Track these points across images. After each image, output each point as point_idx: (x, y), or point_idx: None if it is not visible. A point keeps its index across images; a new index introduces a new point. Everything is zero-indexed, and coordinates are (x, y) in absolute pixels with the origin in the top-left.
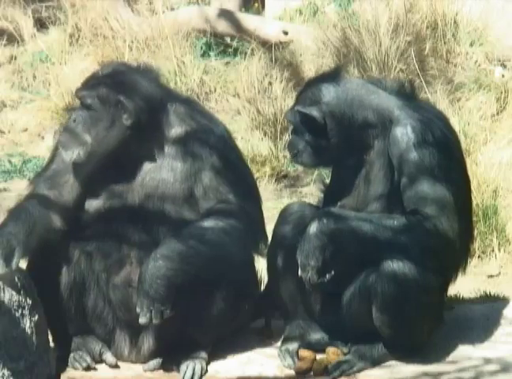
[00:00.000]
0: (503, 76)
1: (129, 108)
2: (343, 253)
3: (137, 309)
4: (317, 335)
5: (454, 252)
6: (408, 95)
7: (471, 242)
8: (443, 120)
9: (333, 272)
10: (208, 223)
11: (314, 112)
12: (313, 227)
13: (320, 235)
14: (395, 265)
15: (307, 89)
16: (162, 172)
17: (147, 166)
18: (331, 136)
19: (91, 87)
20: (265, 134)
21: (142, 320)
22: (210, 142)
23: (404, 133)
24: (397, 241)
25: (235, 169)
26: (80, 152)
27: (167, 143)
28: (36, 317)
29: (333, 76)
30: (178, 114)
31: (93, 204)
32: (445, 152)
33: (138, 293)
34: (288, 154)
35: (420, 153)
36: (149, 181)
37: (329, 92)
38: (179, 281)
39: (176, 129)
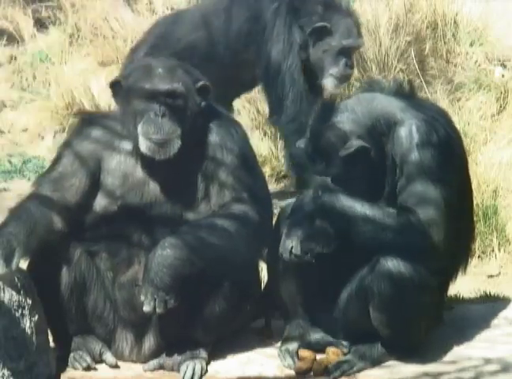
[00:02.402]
0: (503, 76)
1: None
2: (330, 229)
3: (142, 297)
4: (317, 335)
5: (440, 253)
6: (407, 94)
7: (471, 241)
8: (445, 117)
9: (316, 249)
10: (220, 219)
11: (357, 143)
12: (307, 196)
13: (311, 204)
14: (390, 264)
15: (322, 136)
16: (181, 170)
17: (166, 164)
18: (375, 158)
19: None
20: (265, 134)
21: (146, 308)
22: (229, 141)
23: (408, 133)
24: (390, 238)
25: (250, 169)
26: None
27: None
28: (36, 317)
29: (329, 107)
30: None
31: (103, 204)
32: (446, 153)
33: (143, 280)
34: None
35: (422, 154)
36: (167, 180)
37: (344, 122)
38: (186, 272)
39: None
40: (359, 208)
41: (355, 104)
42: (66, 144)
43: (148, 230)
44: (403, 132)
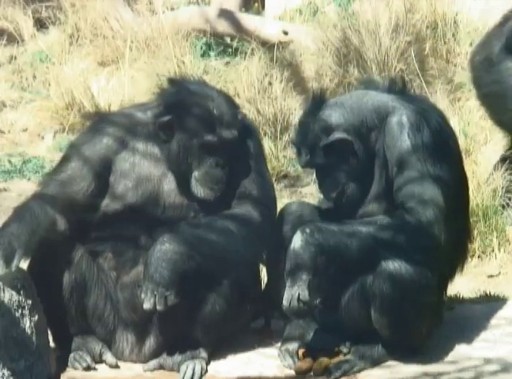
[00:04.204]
0: None
1: None
2: (332, 263)
3: (142, 295)
4: (317, 336)
5: (440, 249)
6: (399, 90)
7: (469, 240)
8: (437, 110)
9: (324, 292)
10: (221, 217)
11: (338, 135)
12: (297, 241)
13: (306, 247)
14: (391, 266)
15: (309, 129)
16: None
17: None
18: (359, 153)
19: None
20: (265, 134)
21: (146, 305)
22: (243, 143)
23: (398, 122)
24: (388, 242)
25: (260, 171)
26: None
27: None
28: (36, 317)
29: (319, 102)
30: None
31: (113, 205)
32: (439, 146)
33: (144, 277)
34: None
35: (414, 146)
36: (181, 183)
37: (330, 115)
38: (185, 267)
39: None
40: (355, 231)
41: (345, 100)
42: (76, 145)
43: (157, 232)
44: (394, 122)
